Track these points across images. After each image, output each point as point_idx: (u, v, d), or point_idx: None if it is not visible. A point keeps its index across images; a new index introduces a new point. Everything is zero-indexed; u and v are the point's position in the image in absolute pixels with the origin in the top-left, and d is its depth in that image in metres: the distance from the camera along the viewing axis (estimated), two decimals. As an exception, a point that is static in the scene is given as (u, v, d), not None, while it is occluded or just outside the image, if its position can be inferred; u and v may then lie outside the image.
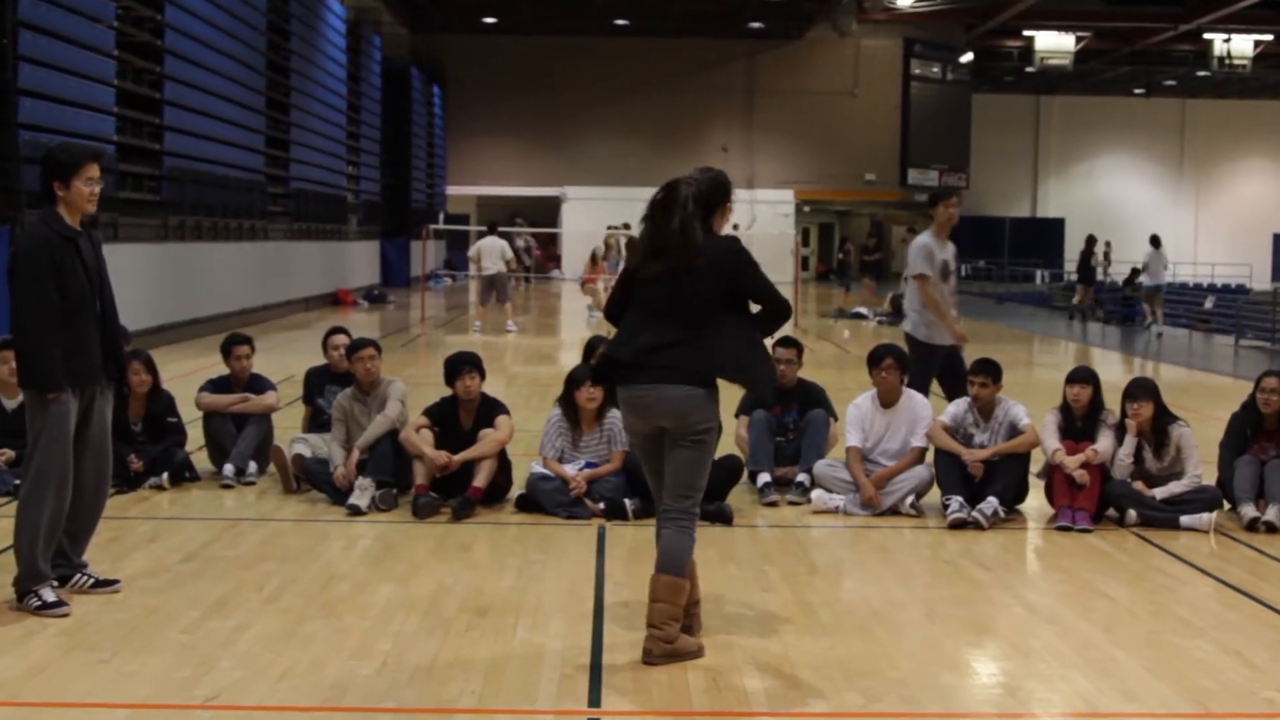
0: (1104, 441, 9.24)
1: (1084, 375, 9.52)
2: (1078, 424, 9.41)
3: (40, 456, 6.76)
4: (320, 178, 32.81)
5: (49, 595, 6.78)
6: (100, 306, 6.97)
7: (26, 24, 16.45)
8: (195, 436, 10.62)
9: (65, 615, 6.69)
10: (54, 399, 6.72)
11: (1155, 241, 30.23)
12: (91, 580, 7.14)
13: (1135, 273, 32.32)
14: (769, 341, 7.05)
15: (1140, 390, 9.28)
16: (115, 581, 7.22)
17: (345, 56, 35.56)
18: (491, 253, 26.12)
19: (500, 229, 27.07)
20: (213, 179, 24.07)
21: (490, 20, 49.07)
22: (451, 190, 51.54)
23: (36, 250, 6.72)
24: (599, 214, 43.83)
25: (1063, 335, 28.29)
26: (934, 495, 9.48)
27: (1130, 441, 9.25)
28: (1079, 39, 48.13)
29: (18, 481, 8.22)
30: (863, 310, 30.79)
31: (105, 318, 7.01)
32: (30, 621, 6.60)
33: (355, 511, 9.17)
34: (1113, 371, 19.51)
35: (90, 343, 6.89)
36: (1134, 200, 60.08)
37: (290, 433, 10.65)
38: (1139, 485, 9.22)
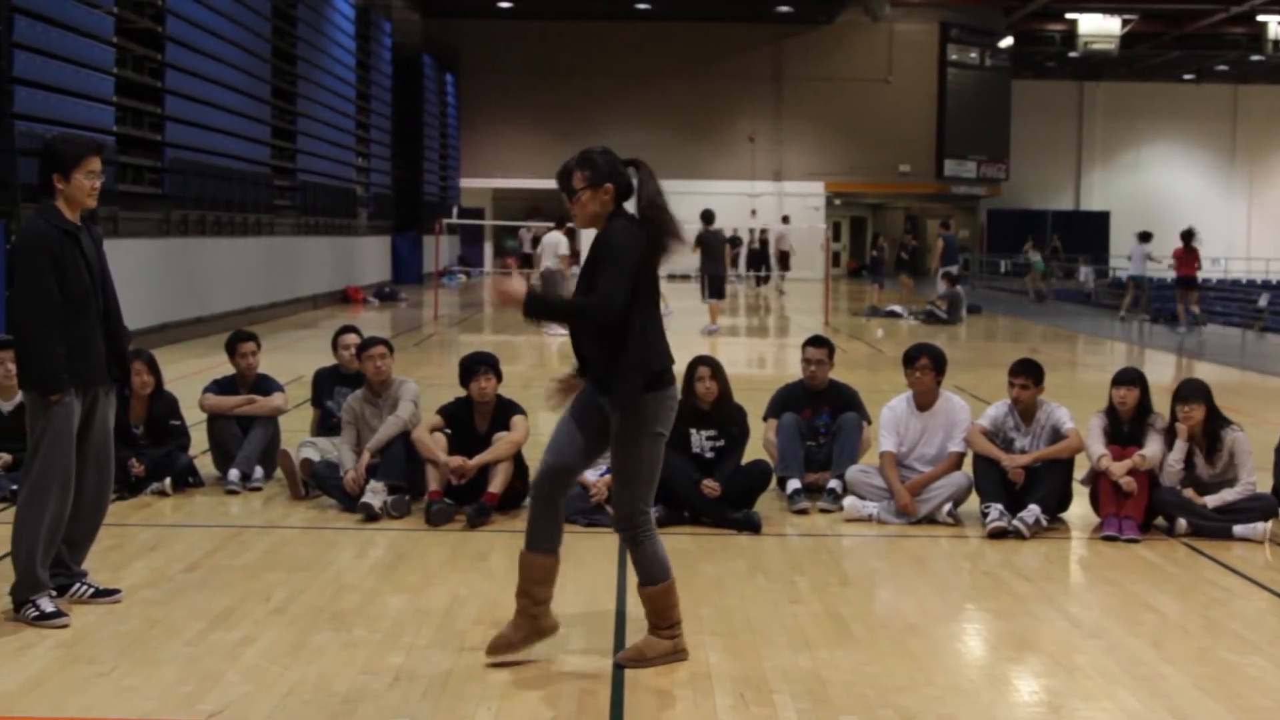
0: (1152, 446, 9.00)
1: (1131, 377, 9.28)
2: (1124, 428, 9.17)
3: (41, 460, 6.65)
4: (329, 170, 32.67)
5: (47, 605, 6.65)
6: (103, 304, 6.86)
7: (22, 10, 16.26)
8: (199, 440, 10.48)
9: (64, 626, 6.56)
10: (56, 400, 6.61)
11: (1144, 236, 31.25)
12: (91, 590, 7.01)
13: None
14: None
15: (1191, 392, 9.03)
16: (116, 591, 7.08)
17: (354, 44, 35.46)
18: (549, 249, 25.54)
19: (569, 225, 26.44)
20: (216, 171, 23.89)
21: (506, 4, 49.00)
22: (466, 183, 51.49)
23: (36, 245, 6.61)
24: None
25: (1107, 335, 28.02)
26: (972, 503, 9.27)
27: (1180, 446, 9.00)
28: (1125, 22, 47.68)
29: (15, 487, 8.05)
30: (897, 308, 30.52)
31: (109, 316, 6.90)
32: (28, 633, 6.49)
33: (368, 510, 9.02)
34: (1161, 372, 19.24)
35: (94, 342, 6.78)
36: (1183, 192, 59.45)
37: (298, 436, 10.49)
38: (1189, 493, 8.98)
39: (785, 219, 45.70)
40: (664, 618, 6.20)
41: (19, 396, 9.04)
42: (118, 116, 19.48)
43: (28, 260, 6.58)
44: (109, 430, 6.98)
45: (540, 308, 6.04)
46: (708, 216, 26.40)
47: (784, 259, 43.57)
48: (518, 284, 5.89)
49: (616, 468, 6.14)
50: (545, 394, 6.24)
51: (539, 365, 20.11)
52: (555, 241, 25.29)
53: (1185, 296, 28.92)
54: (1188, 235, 28.85)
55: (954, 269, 30.85)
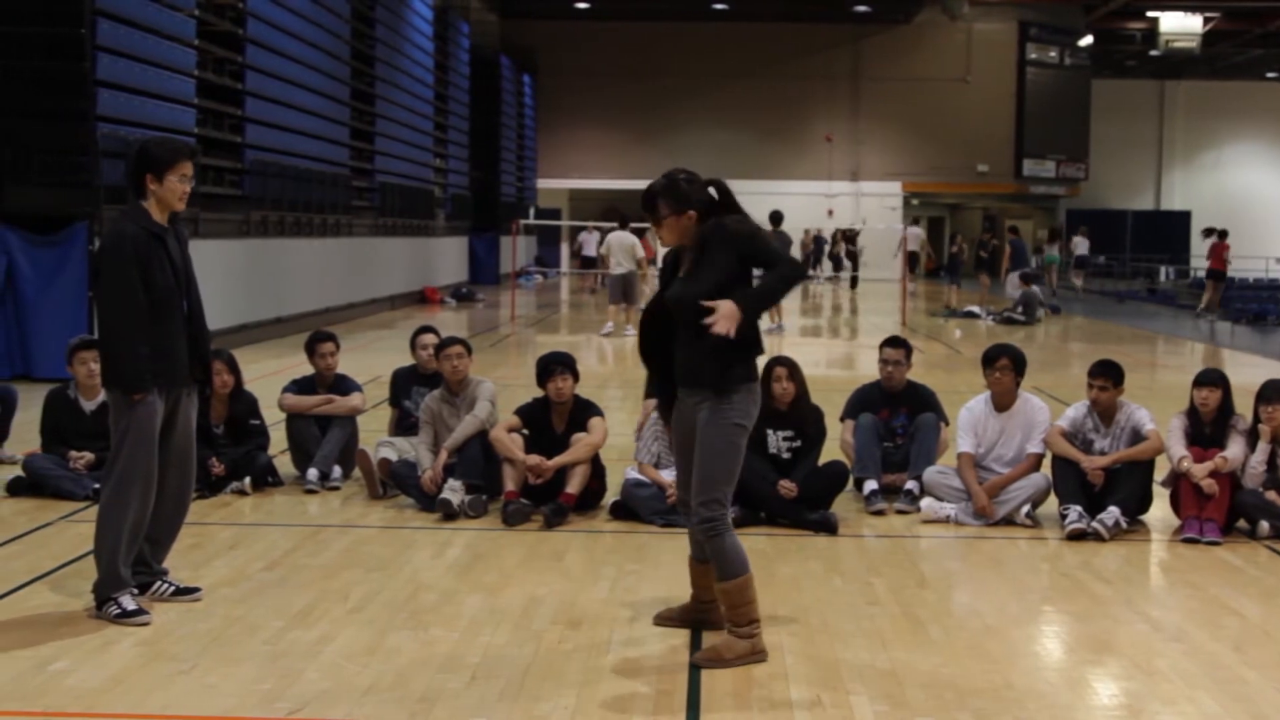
0: (1234, 448, 8.88)
1: (1213, 378, 9.16)
2: (1206, 429, 9.05)
3: (124, 460, 6.71)
4: (406, 171, 32.79)
5: (129, 603, 6.70)
6: (187, 306, 6.91)
7: (105, 13, 16.39)
8: (278, 439, 10.54)
9: (146, 624, 6.61)
10: (139, 399, 6.66)
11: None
12: (172, 588, 7.06)
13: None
14: None
15: (1275, 393, 8.90)
16: (196, 589, 7.13)
17: (432, 45, 35.56)
18: (621, 249, 25.05)
19: (632, 225, 25.98)
20: (296, 173, 24.01)
21: (583, 5, 49.08)
22: (542, 183, 51.57)
23: (122, 246, 6.68)
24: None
25: (1189, 335, 27.73)
26: (1051, 504, 9.18)
27: (1263, 448, 8.88)
28: (1207, 20, 46.70)
29: (97, 485, 8.13)
30: (975, 309, 30.27)
31: (192, 318, 6.96)
32: (110, 630, 6.54)
33: (446, 507, 9.04)
34: (1243, 374, 18.95)
35: (177, 343, 6.83)
36: (1266, 192, 58.40)
37: (376, 436, 10.53)
38: (1272, 495, 8.85)
39: (915, 220, 45.32)
40: (741, 615, 6.20)
41: (102, 396, 9.15)
42: (198, 118, 19.61)
43: (114, 261, 6.65)
44: (191, 430, 7.02)
45: (755, 304, 6.12)
46: (776, 218, 25.97)
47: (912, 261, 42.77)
48: (728, 307, 5.97)
49: (697, 459, 6.21)
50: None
51: (616, 365, 20.12)
52: (629, 243, 24.93)
53: (1216, 288, 31.56)
54: (1224, 233, 31.86)
55: (1029, 270, 30.69)
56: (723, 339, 5.94)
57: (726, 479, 6.21)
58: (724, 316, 5.92)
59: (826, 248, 45.65)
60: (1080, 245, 37.23)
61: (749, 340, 6.17)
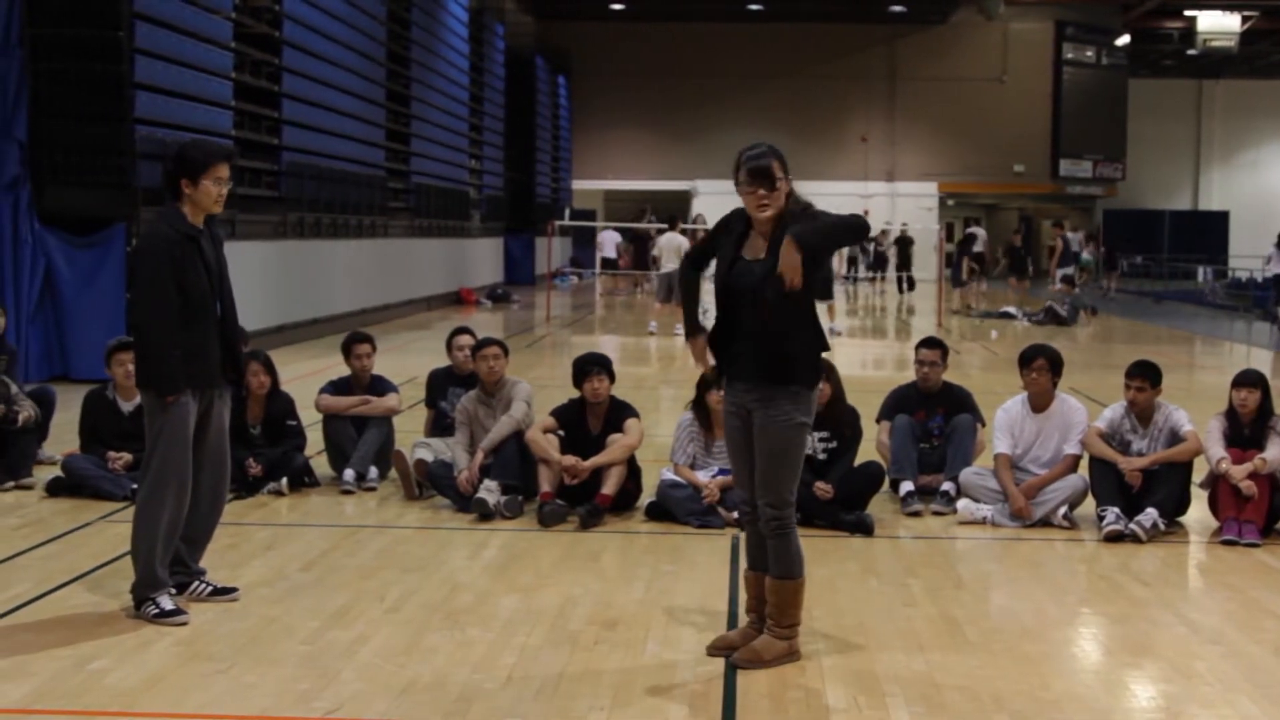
0: (1274, 449, 8.79)
1: (1252, 379, 9.07)
2: (1245, 430, 8.98)
3: (159, 460, 6.74)
4: (442, 172, 32.84)
5: (167, 603, 6.74)
6: (220, 308, 6.94)
7: (143, 16, 16.46)
8: (315, 440, 10.55)
9: (183, 624, 6.64)
10: (173, 401, 6.69)
11: None
12: (209, 588, 7.09)
13: None
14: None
15: (1315, 394, 8.82)
16: (233, 589, 7.16)
17: (468, 46, 35.59)
18: (670, 250, 25.40)
19: (683, 226, 26.43)
20: (332, 174, 24.07)
21: (618, 6, 49.13)
22: (577, 184, 51.63)
23: (157, 249, 6.72)
24: (731, 207, 43.24)
25: (1226, 336, 27.57)
26: (1088, 506, 9.13)
27: (1303, 450, 8.80)
28: (1245, 19, 46.42)
29: (135, 486, 8.17)
30: (1011, 309, 30.13)
31: (225, 320, 6.99)
32: (148, 630, 6.57)
33: (483, 507, 9.04)
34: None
35: (210, 345, 6.87)
36: (1305, 193, 58.12)
37: (412, 436, 10.56)
38: (1311, 497, 8.79)
39: (977, 220, 45.04)
40: (788, 616, 6.21)
41: (139, 397, 9.18)
42: (235, 121, 19.64)
43: (148, 263, 6.68)
44: (224, 430, 7.05)
45: (814, 238, 6.06)
46: None
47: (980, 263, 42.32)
48: (792, 249, 5.95)
49: (759, 462, 6.20)
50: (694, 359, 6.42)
51: (653, 367, 20.10)
52: (677, 243, 25.21)
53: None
54: None
55: (1070, 270, 30.54)
56: (798, 337, 6.08)
57: (791, 478, 6.23)
58: (787, 267, 5.92)
59: (873, 247, 45.48)
60: (1073, 242, 37.16)
61: (818, 337, 6.20)
